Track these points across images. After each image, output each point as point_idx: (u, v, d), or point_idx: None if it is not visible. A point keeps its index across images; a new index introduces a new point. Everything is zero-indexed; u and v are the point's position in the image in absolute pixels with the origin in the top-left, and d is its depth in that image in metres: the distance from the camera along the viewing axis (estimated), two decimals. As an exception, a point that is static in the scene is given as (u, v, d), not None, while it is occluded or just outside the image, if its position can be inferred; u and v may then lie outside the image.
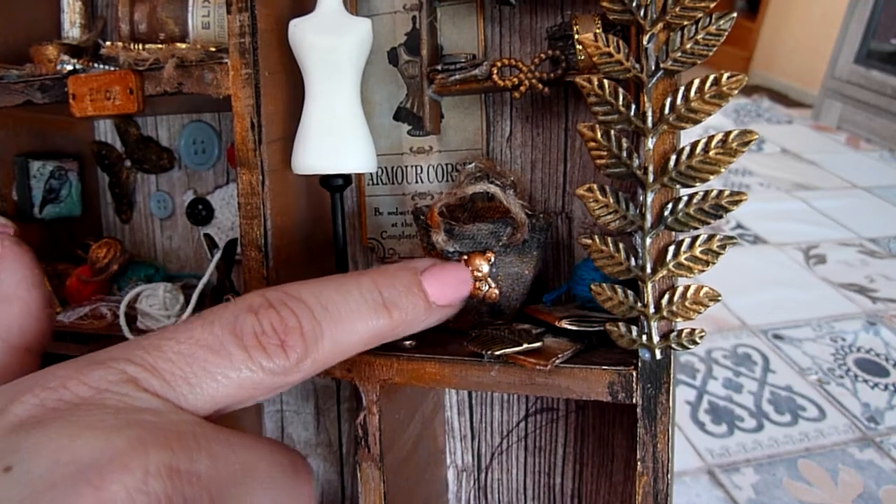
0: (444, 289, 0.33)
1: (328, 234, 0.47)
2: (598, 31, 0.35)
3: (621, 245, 0.33)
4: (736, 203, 0.31)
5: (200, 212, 0.52)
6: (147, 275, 0.49)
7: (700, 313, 0.32)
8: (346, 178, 0.42)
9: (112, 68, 0.44)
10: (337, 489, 0.52)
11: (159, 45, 0.40)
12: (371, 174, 0.46)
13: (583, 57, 0.38)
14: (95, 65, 0.46)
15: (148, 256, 0.54)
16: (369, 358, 0.39)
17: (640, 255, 0.32)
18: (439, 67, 0.41)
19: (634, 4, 0.31)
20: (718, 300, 0.32)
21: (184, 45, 0.40)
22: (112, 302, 0.47)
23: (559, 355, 0.34)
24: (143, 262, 0.51)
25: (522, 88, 0.40)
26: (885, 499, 0.80)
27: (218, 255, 0.45)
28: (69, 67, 0.43)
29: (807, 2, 2.83)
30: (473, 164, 0.42)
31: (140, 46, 0.41)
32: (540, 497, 0.46)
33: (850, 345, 1.12)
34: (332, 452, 0.52)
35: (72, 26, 0.51)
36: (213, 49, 0.40)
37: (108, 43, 0.41)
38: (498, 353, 0.35)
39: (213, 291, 0.47)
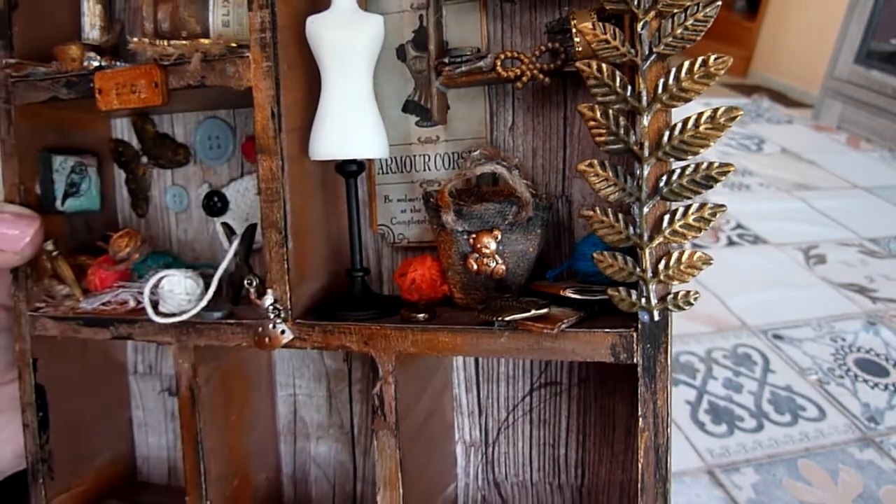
0: None
1: (340, 218, 0.49)
2: (593, 20, 0.38)
3: (620, 216, 0.36)
4: (724, 174, 0.34)
5: (216, 203, 0.54)
6: (166, 263, 0.52)
7: (694, 276, 0.35)
8: (360, 165, 0.44)
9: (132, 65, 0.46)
10: (349, 469, 0.54)
11: (183, 42, 0.43)
12: (381, 164, 0.49)
13: (580, 48, 0.41)
14: (117, 62, 0.49)
15: (164, 249, 0.56)
16: (386, 330, 0.41)
17: (638, 223, 0.35)
18: (446, 60, 0.44)
19: (629, -5, 0.34)
20: (710, 263, 0.34)
21: (207, 41, 0.43)
22: (133, 288, 0.49)
23: (565, 321, 0.37)
24: (161, 252, 0.54)
25: (525, 79, 0.43)
26: (885, 499, 0.79)
27: (237, 241, 0.47)
28: (95, 64, 0.46)
29: (807, 2, 2.80)
30: (479, 151, 0.45)
31: (165, 42, 0.43)
32: (545, 468, 0.49)
33: (850, 345, 1.10)
34: (344, 434, 0.54)
35: (92, 28, 0.53)
36: (234, 45, 0.43)
37: (135, 39, 0.43)
38: (508, 318, 0.37)
39: (230, 276, 0.49)
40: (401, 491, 0.42)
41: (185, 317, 0.45)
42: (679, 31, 0.33)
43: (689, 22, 0.33)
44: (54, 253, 0.50)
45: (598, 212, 0.36)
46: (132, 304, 0.49)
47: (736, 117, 0.33)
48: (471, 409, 0.50)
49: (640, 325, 0.36)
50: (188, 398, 0.47)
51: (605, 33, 0.35)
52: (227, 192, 0.54)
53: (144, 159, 0.57)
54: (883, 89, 2.29)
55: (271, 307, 0.43)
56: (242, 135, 0.54)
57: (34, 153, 0.51)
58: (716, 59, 0.33)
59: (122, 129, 0.58)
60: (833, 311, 1.21)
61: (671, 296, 0.35)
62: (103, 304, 0.49)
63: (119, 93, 0.45)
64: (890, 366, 1.05)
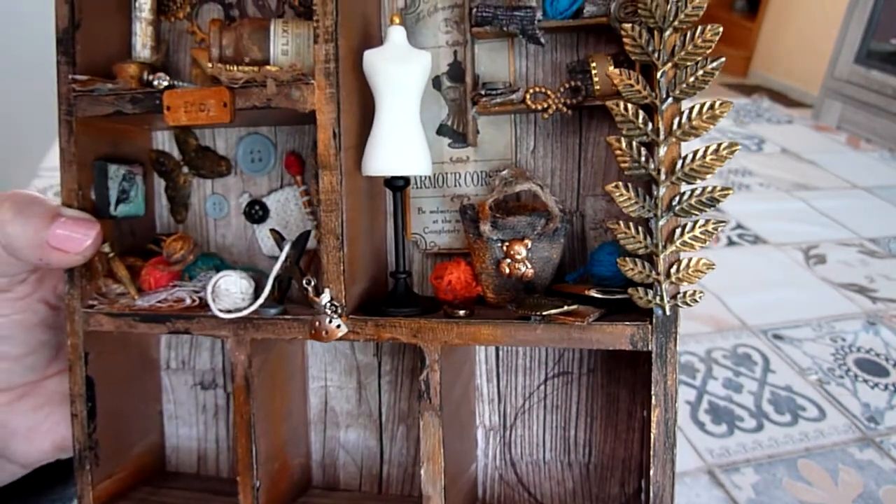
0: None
1: (379, 228, 0.55)
2: (620, 67, 0.45)
3: (640, 228, 0.43)
4: (724, 195, 0.42)
5: (257, 212, 0.59)
6: (215, 265, 0.56)
7: (699, 279, 0.43)
8: (406, 180, 0.51)
9: (195, 85, 0.52)
10: (376, 454, 0.60)
11: (253, 67, 0.48)
12: (416, 180, 0.55)
13: (598, 87, 0.49)
14: (176, 82, 0.54)
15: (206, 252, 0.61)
16: (433, 324, 0.47)
17: (655, 235, 0.43)
18: (482, 92, 0.51)
19: (651, 49, 0.42)
20: (713, 268, 0.42)
21: (274, 68, 0.48)
22: (188, 287, 0.54)
23: (592, 315, 0.44)
24: (210, 255, 0.58)
25: (550, 110, 0.50)
26: (885, 499, 0.79)
27: (288, 246, 0.53)
28: (164, 84, 0.51)
29: (807, 2, 2.77)
30: (507, 170, 0.52)
31: (235, 67, 0.49)
32: (557, 447, 0.56)
33: (850, 345, 1.09)
34: (373, 422, 0.60)
35: (143, 48, 0.58)
36: (297, 72, 0.49)
37: (209, 64, 0.48)
38: (544, 313, 0.44)
39: (277, 278, 0.55)
40: (442, 464, 0.48)
41: (246, 312, 0.50)
42: (691, 79, 0.41)
43: (700, 73, 0.41)
44: (111, 255, 0.55)
45: (622, 224, 0.43)
46: (188, 301, 0.53)
47: (734, 150, 0.41)
48: (491, 397, 0.57)
49: (654, 319, 0.43)
50: (243, 387, 0.52)
51: (630, 78, 0.42)
52: (268, 202, 0.60)
53: (186, 169, 0.62)
54: (883, 89, 2.26)
55: (328, 304, 0.49)
56: (283, 150, 0.60)
57: (89, 162, 0.56)
58: (720, 104, 0.41)
59: (164, 141, 0.62)
60: (833, 311, 1.19)
61: (680, 294, 0.43)
62: (159, 301, 0.54)
63: (188, 110, 0.50)
64: (890, 366, 1.04)
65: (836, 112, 2.43)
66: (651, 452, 0.44)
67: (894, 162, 2.02)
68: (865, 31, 2.39)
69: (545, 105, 0.50)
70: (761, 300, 1.22)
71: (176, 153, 0.62)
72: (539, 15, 0.49)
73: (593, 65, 0.49)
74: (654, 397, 0.44)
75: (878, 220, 1.58)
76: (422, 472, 0.48)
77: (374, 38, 0.53)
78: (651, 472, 0.44)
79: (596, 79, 0.49)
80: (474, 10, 0.50)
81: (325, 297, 0.49)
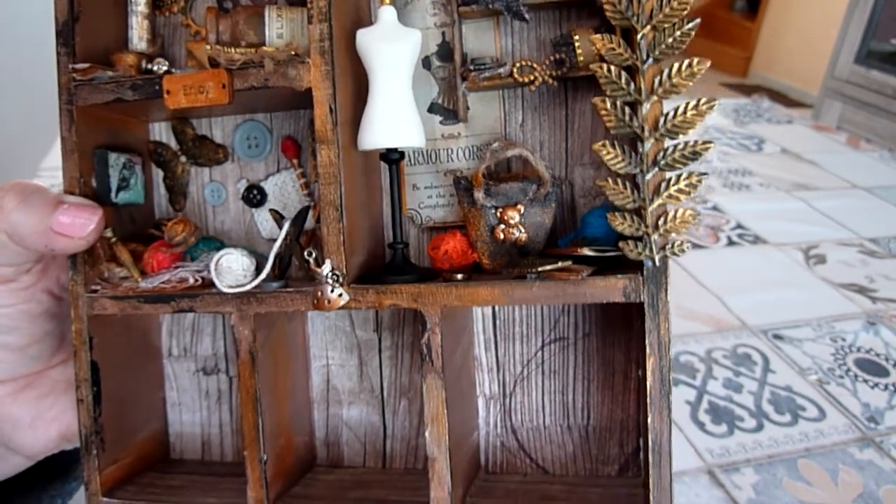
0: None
1: (375, 202, 0.57)
2: (603, 33, 0.47)
3: (628, 183, 0.45)
4: (705, 149, 0.44)
5: (255, 196, 0.61)
6: (216, 246, 0.58)
7: (686, 229, 0.45)
8: (401, 153, 0.53)
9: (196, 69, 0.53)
10: (379, 429, 0.61)
11: (250, 49, 0.50)
12: (410, 157, 0.57)
13: (582, 57, 0.51)
14: (174, 69, 0.55)
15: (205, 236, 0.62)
16: (432, 288, 0.49)
17: (642, 189, 0.45)
18: (471, 67, 0.53)
19: (630, 14, 0.44)
20: (699, 217, 0.44)
21: (271, 49, 0.50)
22: (190, 268, 0.55)
23: (585, 270, 0.46)
24: (210, 238, 0.60)
25: (537, 83, 0.52)
26: (885, 499, 0.80)
27: (288, 223, 0.54)
28: (164, 68, 0.52)
29: (807, 2, 2.77)
30: (497, 143, 0.54)
31: (233, 49, 0.50)
32: (556, 412, 0.57)
33: (850, 345, 1.10)
34: (375, 397, 0.61)
35: (140, 40, 0.60)
36: (292, 53, 0.50)
37: (207, 46, 0.50)
38: (540, 269, 0.46)
39: (277, 256, 0.56)
40: (446, 425, 0.49)
41: (249, 286, 0.51)
42: (669, 41, 0.44)
43: (678, 34, 0.43)
44: (113, 240, 0.56)
45: (611, 181, 0.45)
46: (191, 281, 0.54)
47: (713, 105, 0.44)
48: (490, 366, 0.58)
49: (645, 271, 0.45)
50: (248, 361, 0.53)
51: (612, 42, 0.45)
52: (266, 186, 0.61)
53: (183, 159, 0.63)
54: (883, 89, 2.26)
55: (330, 274, 0.50)
56: (279, 135, 0.61)
57: (90, 150, 0.57)
58: (697, 62, 0.43)
59: (161, 132, 0.64)
60: (833, 311, 1.20)
61: (669, 245, 0.45)
62: (163, 282, 0.55)
63: (187, 93, 0.52)
64: (890, 366, 1.05)
65: (836, 112, 2.43)
66: (648, 401, 0.46)
67: (894, 162, 2.03)
68: (865, 31, 2.39)
69: (532, 77, 0.52)
70: (761, 300, 1.23)
71: (173, 143, 0.63)
72: (523, -8, 0.51)
73: (576, 37, 0.51)
74: (648, 346, 0.45)
75: (878, 220, 1.60)
76: (426, 434, 0.49)
77: (364, 19, 0.55)
78: (648, 419, 0.46)
79: (579, 50, 0.51)
80: (461, -11, 0.52)
81: (327, 268, 0.50)
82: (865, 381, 1.02)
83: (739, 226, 1.53)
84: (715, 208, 1.59)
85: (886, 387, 1.00)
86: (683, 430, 0.91)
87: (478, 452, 0.58)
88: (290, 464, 0.58)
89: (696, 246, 1.42)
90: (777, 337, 1.13)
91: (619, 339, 0.56)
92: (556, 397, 0.57)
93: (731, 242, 1.46)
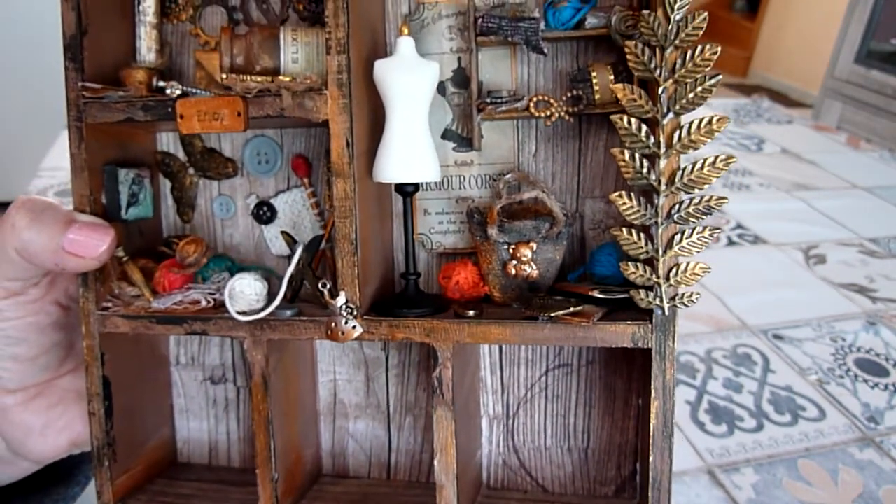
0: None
1: (387, 230, 0.57)
2: (620, 78, 0.47)
3: (642, 234, 0.46)
4: (720, 204, 0.45)
5: (265, 213, 0.61)
6: (227, 266, 0.58)
7: (696, 281, 0.46)
8: (416, 185, 0.53)
9: (208, 94, 0.53)
10: (384, 443, 0.63)
11: (267, 78, 0.49)
12: (423, 183, 0.57)
13: (599, 96, 0.52)
14: (189, 90, 0.54)
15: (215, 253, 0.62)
16: (445, 324, 0.50)
17: (655, 241, 0.46)
18: (488, 100, 0.53)
19: (653, 66, 0.44)
20: (709, 271, 0.46)
21: (288, 78, 0.50)
22: (202, 289, 0.56)
23: (596, 315, 0.47)
24: (221, 256, 0.60)
25: (553, 118, 0.52)
26: (885, 499, 0.80)
27: (301, 249, 0.54)
28: (178, 92, 0.52)
29: (807, 2, 2.77)
30: (511, 175, 0.55)
31: (250, 77, 0.50)
32: (557, 434, 0.59)
33: (850, 345, 1.10)
34: (381, 412, 0.63)
35: (148, 52, 0.58)
36: (309, 82, 0.50)
37: (223, 76, 0.50)
38: (552, 314, 0.47)
39: (290, 279, 0.56)
40: (454, 455, 0.51)
41: (262, 314, 0.52)
42: (691, 95, 0.44)
43: (699, 90, 0.44)
44: (124, 258, 0.56)
45: (625, 231, 0.46)
46: (204, 303, 0.55)
47: (729, 163, 0.44)
48: (495, 388, 0.60)
49: (654, 319, 0.47)
50: (261, 385, 0.54)
51: (634, 94, 0.45)
52: (276, 203, 0.61)
53: (192, 170, 0.63)
54: (883, 89, 2.28)
55: (344, 306, 0.51)
56: (289, 152, 0.61)
57: (99, 167, 0.56)
58: (717, 119, 0.44)
59: (168, 143, 0.63)
60: (833, 311, 1.20)
61: (678, 296, 0.46)
62: (175, 303, 0.55)
63: (201, 119, 0.51)
64: (890, 366, 1.05)
65: (836, 112, 2.42)
66: (650, 441, 0.48)
67: (894, 162, 2.03)
68: (865, 31, 2.39)
69: (548, 113, 0.52)
70: (761, 300, 1.23)
71: (181, 154, 0.63)
72: (542, 26, 0.51)
73: (594, 74, 0.51)
74: (653, 391, 0.47)
75: (878, 220, 1.60)
76: (435, 463, 0.51)
77: (381, 46, 0.55)
78: (650, 459, 0.48)
79: (597, 87, 0.51)
80: (480, 20, 0.52)
81: (341, 300, 0.51)
82: (865, 381, 1.02)
83: (739, 226, 1.53)
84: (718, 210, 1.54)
85: (886, 387, 1.01)
86: (683, 430, 0.91)
87: (480, 471, 0.61)
88: (300, 479, 0.60)
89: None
90: (777, 337, 1.13)
91: (622, 368, 0.57)
92: (557, 420, 0.59)
93: (731, 242, 1.46)
